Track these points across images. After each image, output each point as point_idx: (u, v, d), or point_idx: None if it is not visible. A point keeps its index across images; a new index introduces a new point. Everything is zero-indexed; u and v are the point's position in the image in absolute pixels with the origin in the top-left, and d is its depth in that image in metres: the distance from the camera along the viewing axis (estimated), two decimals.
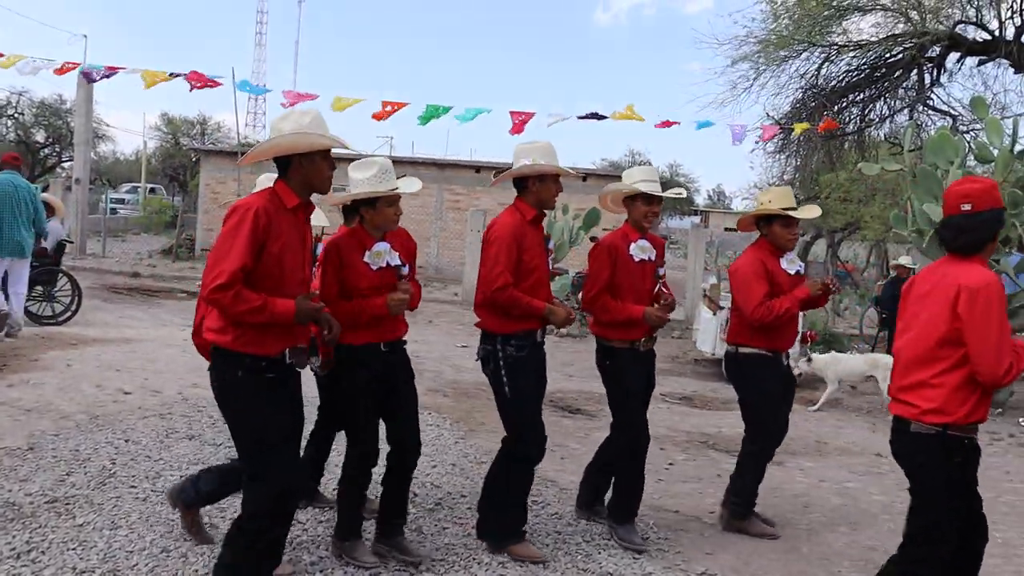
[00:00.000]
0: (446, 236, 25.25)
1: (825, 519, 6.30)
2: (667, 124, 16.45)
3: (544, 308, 5.09)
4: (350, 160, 5.29)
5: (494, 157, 29.60)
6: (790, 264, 5.92)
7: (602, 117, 16.24)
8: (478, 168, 25.90)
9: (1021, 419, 10.46)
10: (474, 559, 5.06)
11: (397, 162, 25.14)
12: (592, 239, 16.48)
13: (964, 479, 4.03)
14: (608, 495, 5.76)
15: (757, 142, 17.72)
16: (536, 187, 5.16)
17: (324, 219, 5.61)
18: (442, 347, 12.91)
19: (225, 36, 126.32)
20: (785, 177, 25.81)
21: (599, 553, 5.32)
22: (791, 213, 5.79)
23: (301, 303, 3.96)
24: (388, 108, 15.31)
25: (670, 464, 7.61)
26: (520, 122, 15.80)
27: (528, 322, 5.10)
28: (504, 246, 5.01)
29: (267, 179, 4.76)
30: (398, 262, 4.90)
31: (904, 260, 16.26)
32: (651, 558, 5.34)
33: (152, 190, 44.60)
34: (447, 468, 6.81)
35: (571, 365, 12.44)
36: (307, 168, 4.06)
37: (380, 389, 4.84)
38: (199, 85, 15.54)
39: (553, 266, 5.64)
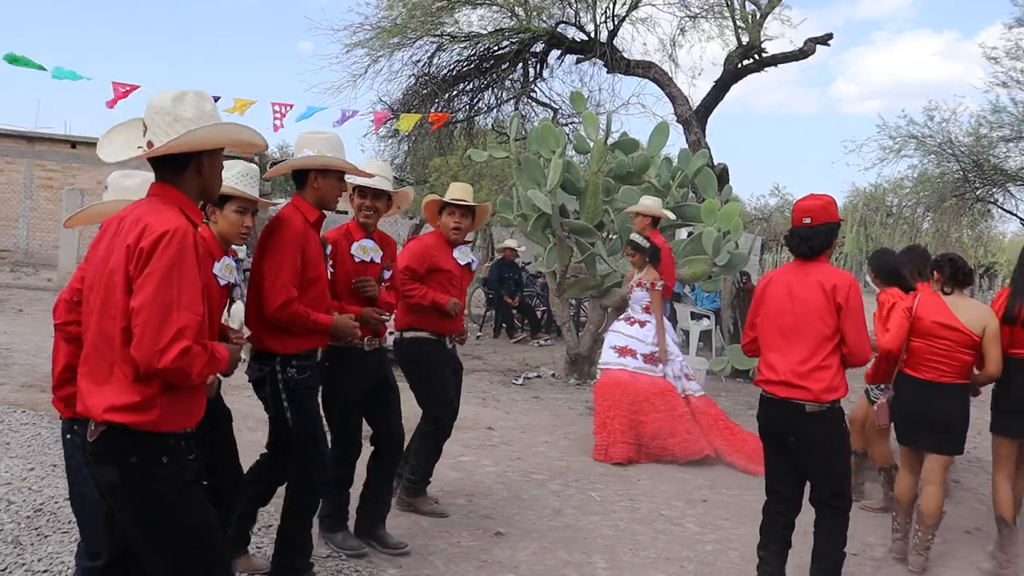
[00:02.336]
0: (37, 217, 23.15)
1: (443, 492, 6.47)
2: (282, 115, 16.12)
3: (330, 323, 4.55)
4: None
5: (92, 132, 27.52)
6: (463, 255, 6.13)
7: (216, 99, 15.62)
8: (74, 143, 23.98)
9: None
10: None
11: None
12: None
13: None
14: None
15: (372, 123, 17.82)
16: (318, 183, 4.55)
17: None
18: (36, 338, 11.86)
19: None
20: (396, 161, 26.31)
21: None
22: (450, 201, 6.06)
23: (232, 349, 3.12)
24: None
25: None
26: (123, 92, 14.79)
27: (312, 339, 4.55)
28: (288, 254, 4.37)
29: (121, 177, 3.85)
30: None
31: (510, 243, 17.10)
32: None
33: None
34: (47, 470, 6.25)
35: None
36: (208, 172, 3.13)
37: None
38: None
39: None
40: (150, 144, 3.03)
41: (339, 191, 4.65)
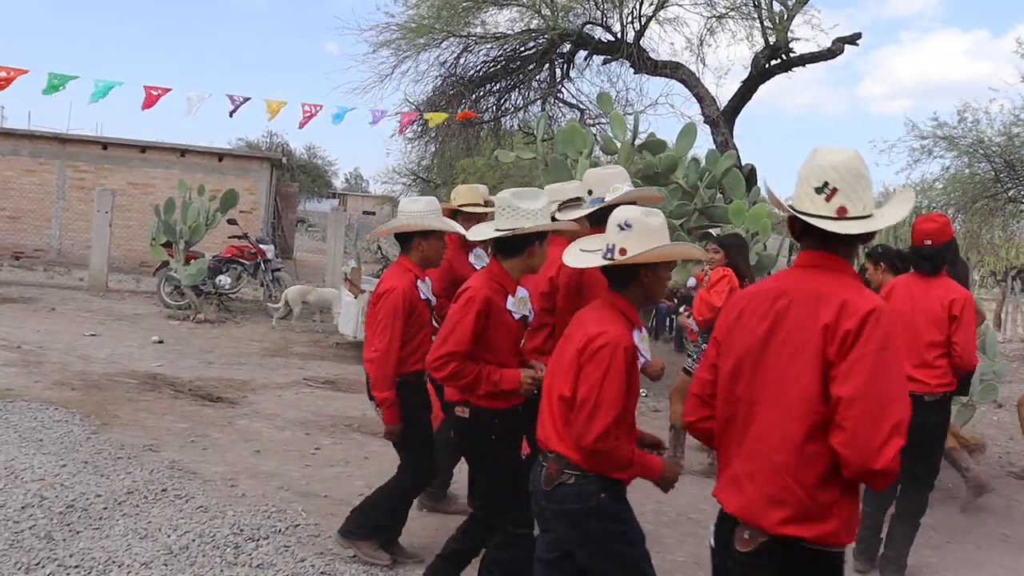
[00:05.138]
0: (70, 217, 23.32)
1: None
2: (309, 117, 16.27)
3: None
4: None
5: (123, 132, 27.78)
6: (477, 259, 6.16)
7: (245, 99, 15.76)
8: (105, 144, 24.16)
9: None
10: (114, 562, 4.75)
11: (12, 135, 23.18)
12: (230, 222, 15.97)
13: None
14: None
15: (397, 126, 17.93)
16: None
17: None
18: (68, 337, 12.00)
19: None
20: (423, 163, 26.39)
21: (247, 543, 5.17)
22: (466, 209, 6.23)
23: None
24: (4, 75, 13.90)
25: (317, 449, 7.55)
26: (155, 96, 14.97)
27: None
28: None
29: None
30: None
31: None
32: (302, 544, 5.26)
33: None
34: (79, 467, 6.32)
35: (210, 352, 11.99)
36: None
37: None
38: None
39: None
40: (842, 210, 2.66)
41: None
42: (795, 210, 2.69)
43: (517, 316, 4.25)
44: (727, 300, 7.23)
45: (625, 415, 3.26)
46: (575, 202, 4.70)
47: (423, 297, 5.05)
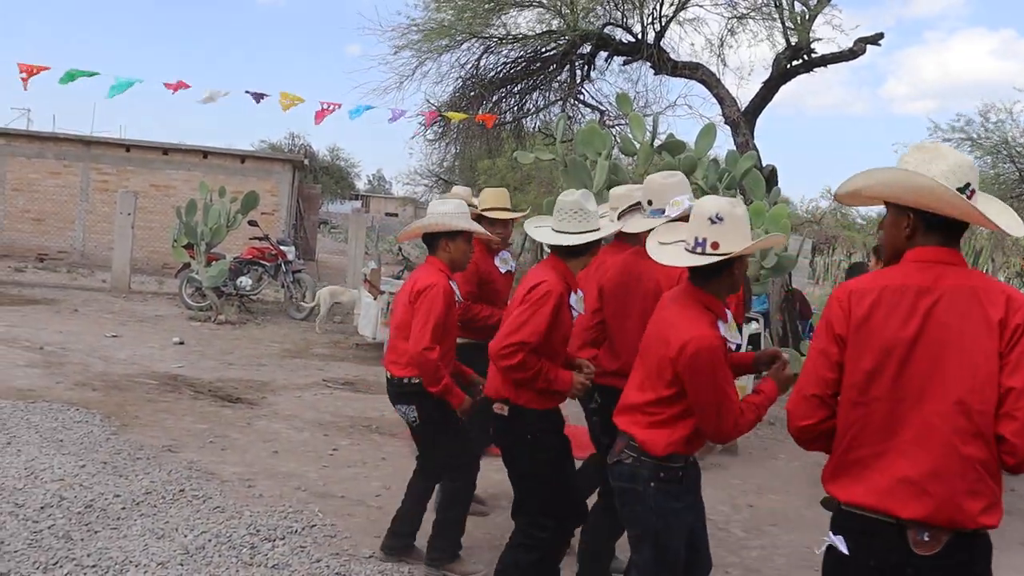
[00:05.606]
0: (93, 219, 23.49)
1: (489, 495, 6.45)
2: (325, 113, 16.25)
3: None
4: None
5: (145, 135, 27.92)
6: (503, 263, 6.14)
7: (261, 96, 15.78)
8: (128, 147, 24.31)
9: None
10: (131, 561, 4.77)
11: (37, 138, 23.35)
12: (251, 223, 16.04)
13: None
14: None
15: (421, 125, 17.92)
16: None
17: None
18: (90, 337, 12.08)
19: None
20: (445, 164, 26.40)
21: (263, 544, 5.19)
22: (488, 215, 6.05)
23: None
24: (29, 72, 13.98)
25: (334, 450, 7.57)
26: (176, 87, 15.03)
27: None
28: None
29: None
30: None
31: None
32: (318, 545, 5.27)
33: None
34: (98, 467, 6.36)
35: (231, 353, 12.04)
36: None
37: None
38: None
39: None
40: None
41: None
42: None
43: (576, 314, 4.31)
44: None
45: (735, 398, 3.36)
46: (634, 207, 4.67)
47: (457, 299, 5.06)
